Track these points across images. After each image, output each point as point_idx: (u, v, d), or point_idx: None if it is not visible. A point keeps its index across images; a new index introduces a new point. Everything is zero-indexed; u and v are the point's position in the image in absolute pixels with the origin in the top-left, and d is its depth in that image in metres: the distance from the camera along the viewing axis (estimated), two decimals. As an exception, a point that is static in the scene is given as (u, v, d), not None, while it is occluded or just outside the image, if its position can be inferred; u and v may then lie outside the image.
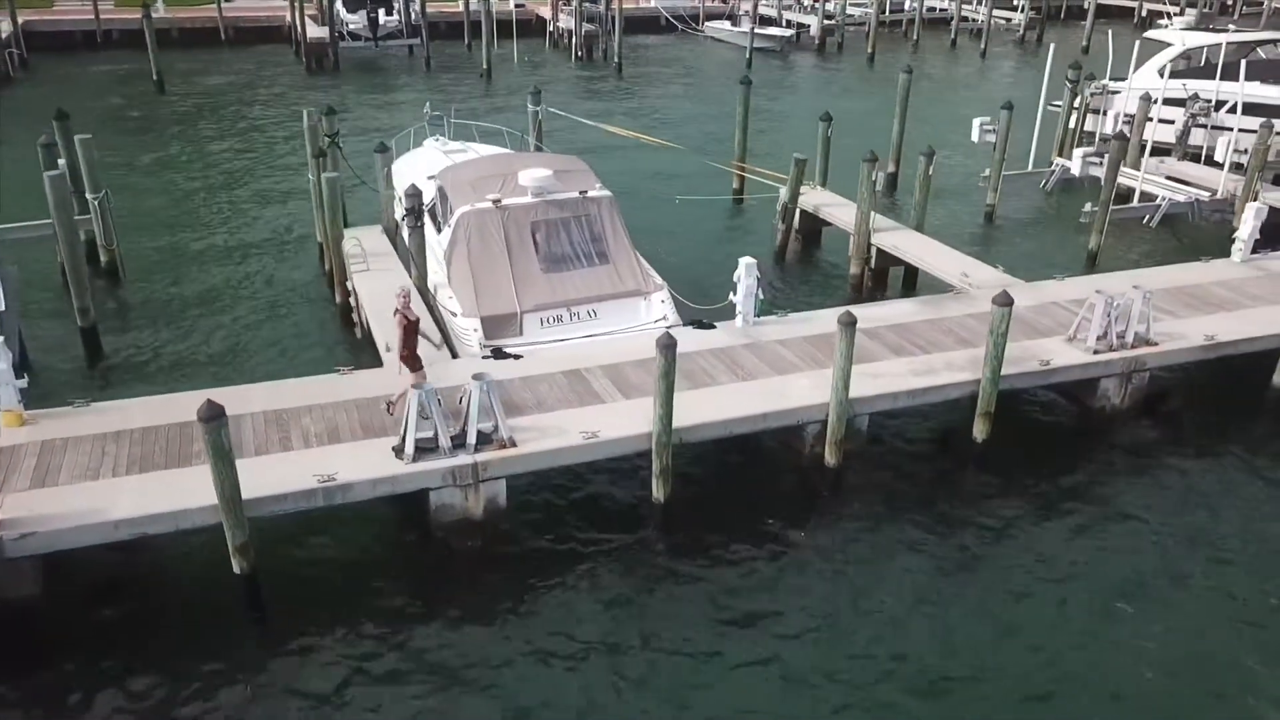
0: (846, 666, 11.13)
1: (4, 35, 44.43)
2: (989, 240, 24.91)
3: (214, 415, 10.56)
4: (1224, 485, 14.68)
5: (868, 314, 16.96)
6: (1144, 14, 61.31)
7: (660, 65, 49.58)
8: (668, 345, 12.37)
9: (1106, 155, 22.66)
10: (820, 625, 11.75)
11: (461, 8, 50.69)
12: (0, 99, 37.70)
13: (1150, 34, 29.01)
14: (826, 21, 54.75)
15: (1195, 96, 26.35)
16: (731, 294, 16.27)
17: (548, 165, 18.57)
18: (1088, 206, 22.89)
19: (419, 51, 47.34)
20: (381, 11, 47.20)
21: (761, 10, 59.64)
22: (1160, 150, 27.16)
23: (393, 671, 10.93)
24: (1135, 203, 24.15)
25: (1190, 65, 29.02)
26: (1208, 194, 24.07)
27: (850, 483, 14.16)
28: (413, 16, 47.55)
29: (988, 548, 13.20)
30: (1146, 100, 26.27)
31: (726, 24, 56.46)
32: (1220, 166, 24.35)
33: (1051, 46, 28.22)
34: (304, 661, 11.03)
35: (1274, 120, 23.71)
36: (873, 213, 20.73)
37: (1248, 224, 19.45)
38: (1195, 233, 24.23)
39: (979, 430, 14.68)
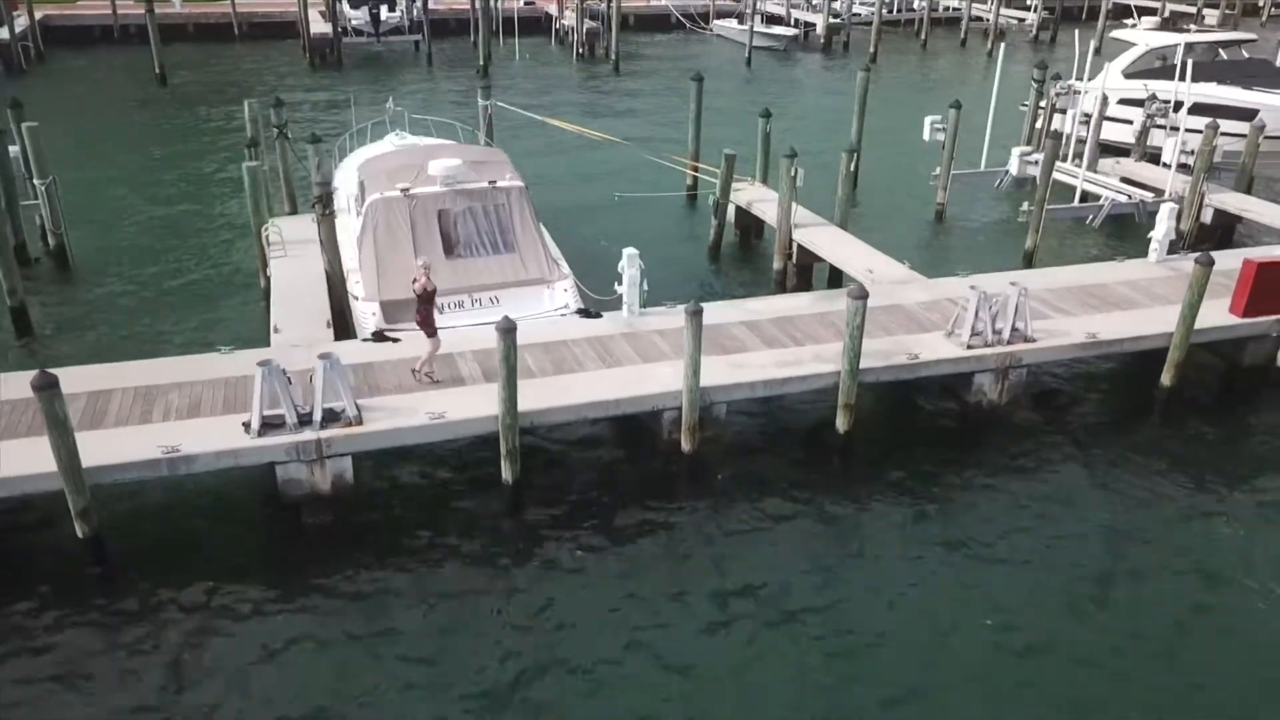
0: (679, 648, 11.44)
1: (20, 29, 46.02)
2: (932, 238, 24.95)
3: (46, 385, 11.18)
4: (1092, 481, 14.74)
5: (757, 306, 17.36)
6: (1166, 14, 60.32)
7: (660, 62, 49.91)
8: (507, 330, 12.75)
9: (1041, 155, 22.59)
10: (660, 603, 12.07)
11: (468, 4, 51.45)
12: (4, 90, 39.06)
13: (1115, 34, 28.70)
14: (832, 20, 54.74)
15: (1153, 97, 26.06)
16: (617, 284, 16.59)
17: (463, 156, 19.07)
18: (1025, 206, 22.84)
19: (422, 47, 48.22)
20: (384, 8, 48.11)
21: (771, 9, 59.79)
22: (1123, 151, 26.98)
23: (227, 634, 11.46)
24: (1076, 203, 24.03)
25: (1165, 65, 28.68)
26: (1151, 195, 23.87)
27: (705, 469, 14.43)
28: (414, 13, 48.32)
29: (834, 536, 13.43)
30: (1103, 100, 26.10)
31: (733, 22, 56.62)
32: (1252, 159, 24.22)
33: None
34: (143, 619, 11.61)
35: (1222, 121, 23.46)
36: (795, 207, 20.91)
37: (1162, 224, 19.34)
38: (1140, 233, 24.00)
39: (841, 422, 14.86)
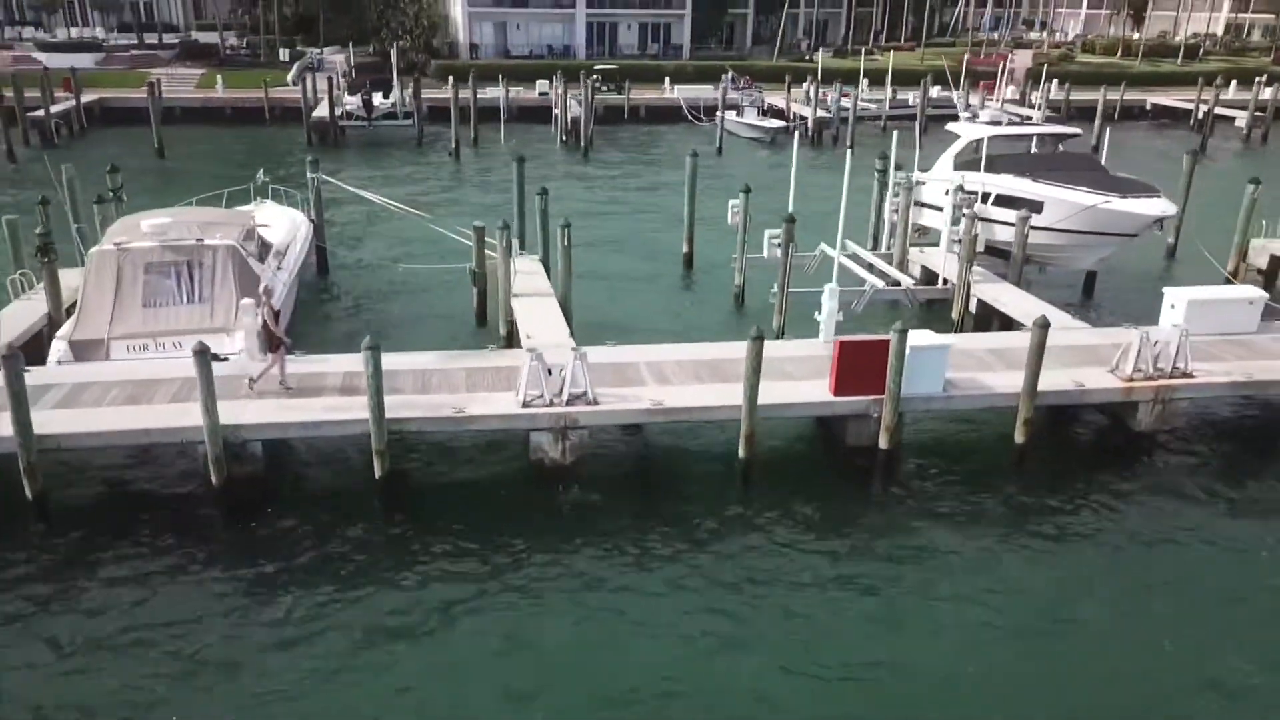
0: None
1: (65, 108, 52.09)
2: (694, 315, 25.38)
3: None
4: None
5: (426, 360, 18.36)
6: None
7: (636, 151, 51.82)
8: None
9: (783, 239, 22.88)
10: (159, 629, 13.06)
11: (467, 95, 54.98)
12: (28, 160, 44.23)
13: (949, 126, 28.73)
14: (821, 114, 55.72)
15: (959, 188, 25.94)
16: (255, 335, 18.15)
17: (201, 218, 21.30)
18: (774, 288, 23.11)
19: (413, 131, 51.67)
20: (379, 95, 51.92)
21: (774, 102, 61.21)
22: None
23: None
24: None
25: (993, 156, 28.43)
26: (912, 281, 23.75)
27: (237, 503, 15.46)
28: (407, 101, 51.98)
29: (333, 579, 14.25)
30: (909, 189, 26.18)
31: (732, 114, 58.20)
32: (1003, 254, 24.53)
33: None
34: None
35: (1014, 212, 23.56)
36: (513, 274, 22.08)
37: (825, 305, 19.41)
38: (900, 317, 23.98)
39: (378, 468, 15.66)
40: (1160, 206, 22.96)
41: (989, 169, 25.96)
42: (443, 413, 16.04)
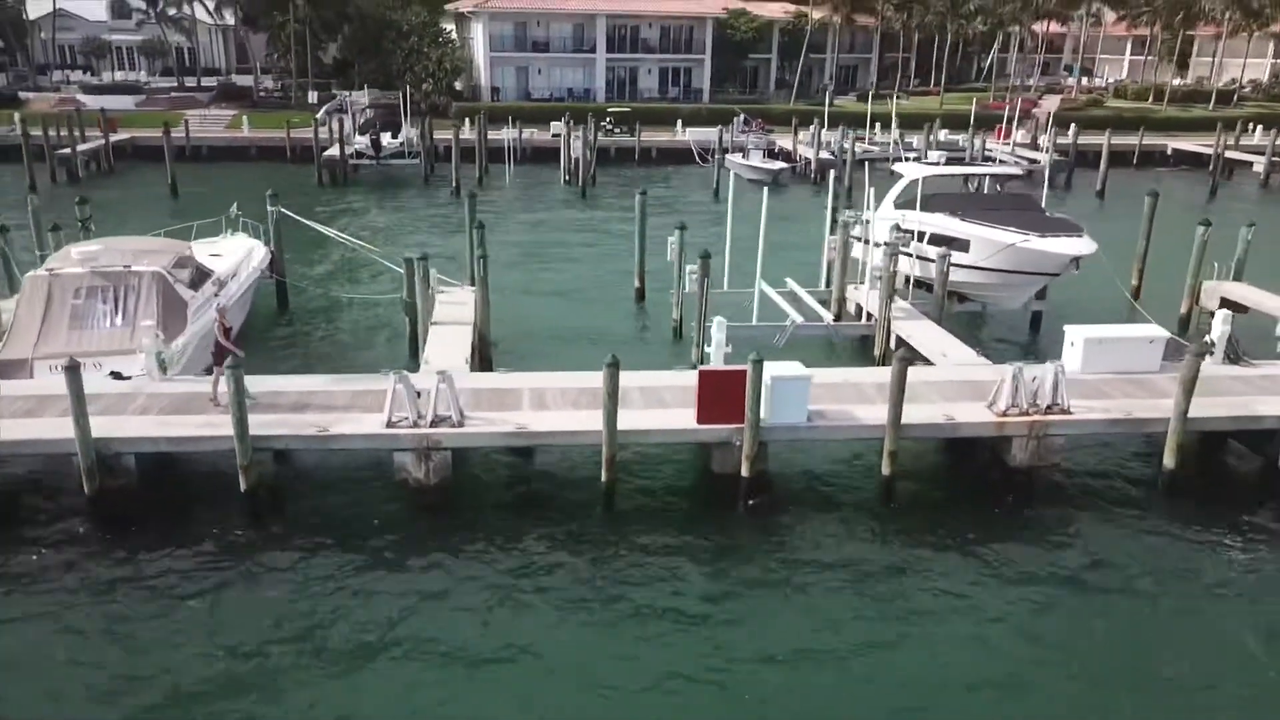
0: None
1: (94, 146, 54.72)
2: (630, 347, 25.62)
3: None
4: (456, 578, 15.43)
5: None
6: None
7: (635, 191, 52.54)
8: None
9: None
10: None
11: (471, 135, 56.56)
12: (47, 194, 46.47)
13: (894, 167, 29.04)
14: (823, 156, 56.12)
15: (896, 227, 26.15)
16: (156, 355, 19.11)
17: (132, 246, 22.48)
18: (694, 322, 23.50)
19: (420, 169, 53.23)
20: (387, 135, 53.64)
21: (784, 145, 61.82)
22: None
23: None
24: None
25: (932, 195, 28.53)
26: (831, 317, 24.00)
27: (107, 512, 16.21)
28: (414, 141, 53.64)
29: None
30: (845, 228, 26.46)
31: (738, 156, 58.85)
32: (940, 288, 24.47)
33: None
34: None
35: (918, 247, 23.71)
36: (433, 303, 22.90)
37: (714, 337, 19.70)
38: (832, 352, 24.33)
39: (243, 483, 16.32)
40: (1078, 246, 22.93)
41: (925, 208, 26.17)
42: (307, 431, 16.66)
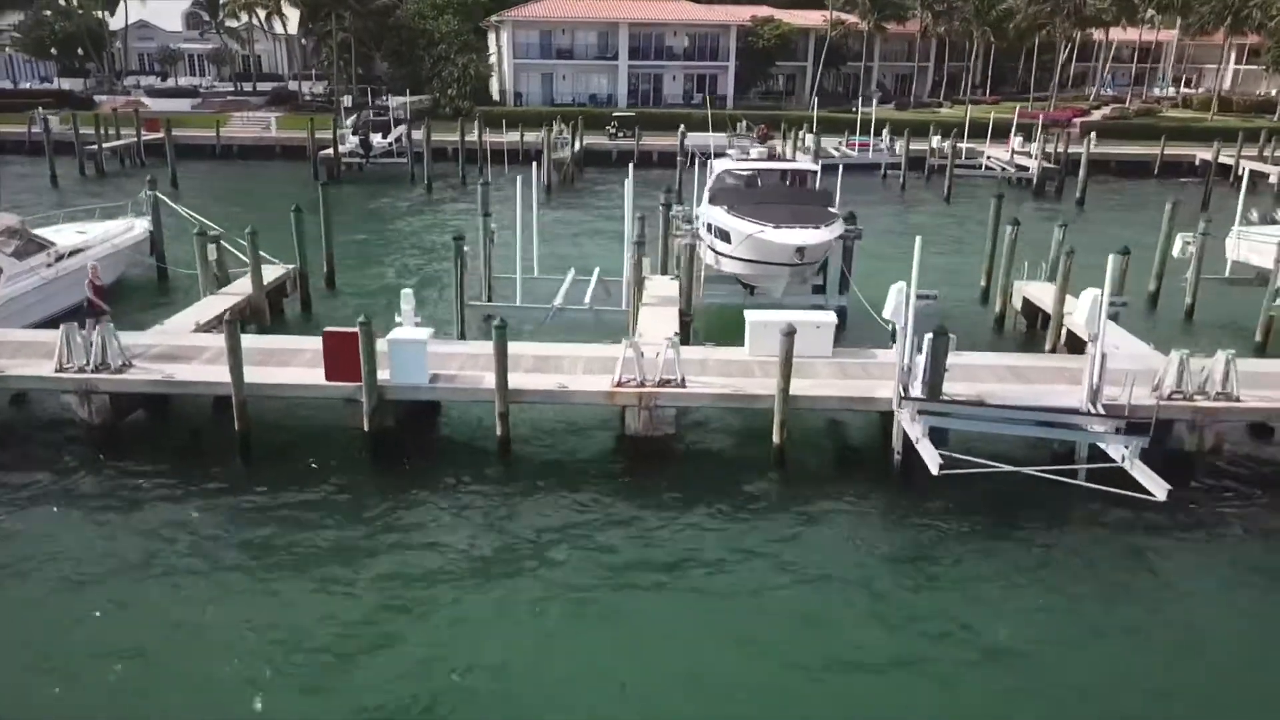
0: None
1: (124, 143, 60.16)
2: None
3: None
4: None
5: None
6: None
7: (603, 192, 54.32)
8: None
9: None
10: None
11: (467, 138, 59.39)
12: (65, 186, 51.73)
13: (712, 161, 29.94)
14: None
15: (686, 218, 27.18)
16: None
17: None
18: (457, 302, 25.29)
19: (407, 168, 56.40)
20: (378, 136, 57.05)
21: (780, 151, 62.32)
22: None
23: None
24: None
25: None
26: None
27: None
28: (402, 141, 56.91)
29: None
30: (642, 221, 27.60)
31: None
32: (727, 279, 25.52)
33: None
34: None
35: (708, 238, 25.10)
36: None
37: (403, 308, 21.22)
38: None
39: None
40: (803, 237, 23.42)
41: (711, 201, 27.07)
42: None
